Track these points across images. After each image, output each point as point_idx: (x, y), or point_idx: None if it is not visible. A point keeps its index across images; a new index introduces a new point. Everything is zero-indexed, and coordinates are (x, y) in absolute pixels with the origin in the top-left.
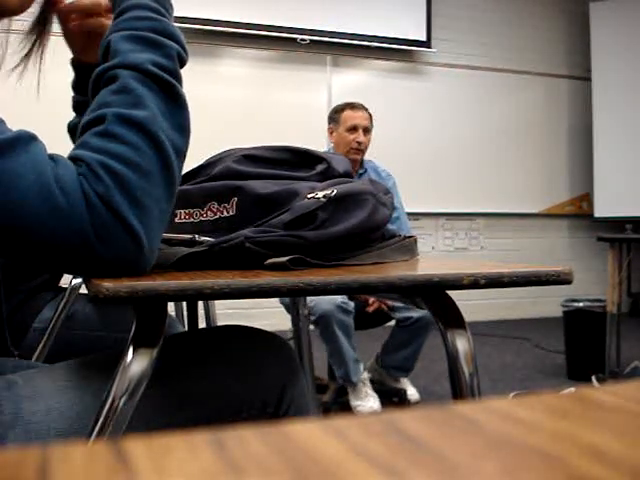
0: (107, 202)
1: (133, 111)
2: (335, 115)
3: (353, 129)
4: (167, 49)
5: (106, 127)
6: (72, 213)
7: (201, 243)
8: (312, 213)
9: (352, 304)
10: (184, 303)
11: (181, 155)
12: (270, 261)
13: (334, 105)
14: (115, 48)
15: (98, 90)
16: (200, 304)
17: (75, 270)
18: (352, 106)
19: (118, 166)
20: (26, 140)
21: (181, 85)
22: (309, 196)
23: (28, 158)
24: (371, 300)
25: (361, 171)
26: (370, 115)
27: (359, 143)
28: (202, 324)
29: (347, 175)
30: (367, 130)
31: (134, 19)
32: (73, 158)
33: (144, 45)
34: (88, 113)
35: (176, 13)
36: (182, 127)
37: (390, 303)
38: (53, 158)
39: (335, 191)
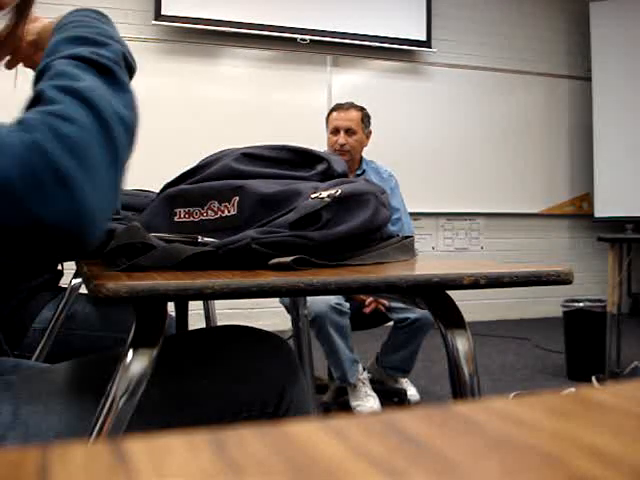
0: (42, 150)
1: (69, 82)
2: (327, 117)
3: (335, 131)
4: (110, 47)
5: (39, 93)
6: None
7: (205, 245)
8: (316, 213)
9: (347, 305)
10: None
11: (128, 126)
12: (274, 261)
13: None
14: (54, 48)
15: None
16: (200, 304)
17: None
18: (339, 107)
19: (54, 120)
20: None
21: (125, 76)
22: (313, 196)
23: None
24: (367, 301)
25: (359, 172)
26: (363, 114)
27: (341, 145)
28: (202, 324)
29: (344, 176)
30: (351, 131)
31: (77, 25)
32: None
33: (86, 44)
34: None
35: (177, 13)
36: (126, 105)
37: (387, 304)
38: None
39: (340, 191)
